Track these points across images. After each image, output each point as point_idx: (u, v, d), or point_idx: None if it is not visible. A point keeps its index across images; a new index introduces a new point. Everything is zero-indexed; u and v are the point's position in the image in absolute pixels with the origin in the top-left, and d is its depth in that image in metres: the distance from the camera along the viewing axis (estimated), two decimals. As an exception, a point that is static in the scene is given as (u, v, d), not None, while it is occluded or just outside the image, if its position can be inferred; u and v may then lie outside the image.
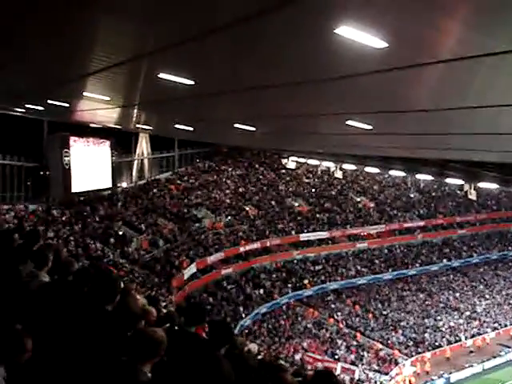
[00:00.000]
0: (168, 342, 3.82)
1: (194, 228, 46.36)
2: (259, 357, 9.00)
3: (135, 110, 18.60)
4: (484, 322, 51.35)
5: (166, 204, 47.75)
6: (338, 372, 38.19)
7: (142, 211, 45.27)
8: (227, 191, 54.50)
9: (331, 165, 45.73)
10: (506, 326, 51.06)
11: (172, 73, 8.98)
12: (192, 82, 9.44)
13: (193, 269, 40.71)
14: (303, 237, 53.37)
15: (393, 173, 44.37)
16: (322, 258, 54.70)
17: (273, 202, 55.96)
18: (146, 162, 52.58)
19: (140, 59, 8.41)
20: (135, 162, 51.94)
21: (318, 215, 56.92)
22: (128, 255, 38.93)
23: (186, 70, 8.84)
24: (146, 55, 8.08)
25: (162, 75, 9.15)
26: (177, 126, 21.11)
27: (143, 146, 51.60)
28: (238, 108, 12.73)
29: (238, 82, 9.20)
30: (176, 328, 5.86)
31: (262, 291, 47.14)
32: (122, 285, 5.59)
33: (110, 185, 46.62)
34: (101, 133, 43.53)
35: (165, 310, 8.42)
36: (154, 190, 49.34)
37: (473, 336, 48.23)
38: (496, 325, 51.01)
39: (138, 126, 28.70)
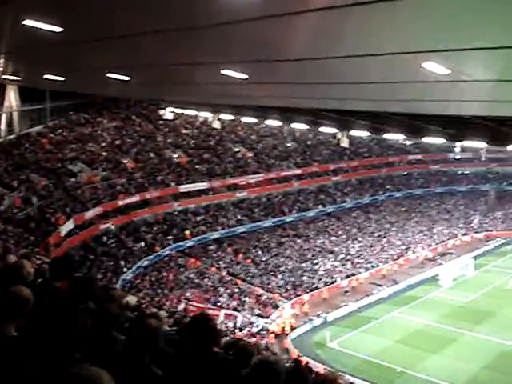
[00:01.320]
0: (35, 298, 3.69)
1: (70, 183, 44.70)
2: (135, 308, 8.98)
3: (0, 61, 17.40)
4: (357, 263, 54.42)
5: (39, 159, 45.52)
6: (221, 319, 39.12)
7: (13, 167, 42.83)
8: (103, 144, 52.84)
9: (209, 115, 45.57)
10: (377, 266, 54.44)
11: (38, 19, 8.43)
12: (60, 29, 8.93)
13: (70, 225, 39.44)
14: (183, 188, 53.27)
15: (269, 122, 45.08)
16: (203, 208, 55.06)
17: (151, 154, 55.13)
18: (15, 115, 49.51)
19: (2, 5, 7.82)
20: (3, 116, 48.72)
21: (197, 166, 56.91)
22: (0, 214, 36.97)
23: (53, 16, 8.33)
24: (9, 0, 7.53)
25: (27, 22, 8.56)
26: (47, 76, 20.03)
27: (11, 98, 48.40)
28: (111, 57, 12.23)
29: (109, 29, 8.81)
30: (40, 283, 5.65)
31: (143, 244, 46.80)
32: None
33: (-25, 140, 43.63)
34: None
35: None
36: (26, 145, 46.75)
37: (347, 277, 51.01)
38: (369, 265, 54.24)
39: (4, 77, 26.92)
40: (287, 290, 46.95)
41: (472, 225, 69.01)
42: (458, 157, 75.79)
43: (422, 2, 4.72)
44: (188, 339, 4.23)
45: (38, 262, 14.84)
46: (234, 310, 41.85)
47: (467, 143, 31.08)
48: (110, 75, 15.39)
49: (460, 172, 79.10)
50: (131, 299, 8.92)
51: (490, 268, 55.59)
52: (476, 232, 67.48)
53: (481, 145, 32.98)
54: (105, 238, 44.66)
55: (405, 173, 76.83)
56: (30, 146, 46.71)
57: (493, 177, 77.70)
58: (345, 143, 34.03)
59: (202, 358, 3.99)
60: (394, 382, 32.14)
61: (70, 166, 46.86)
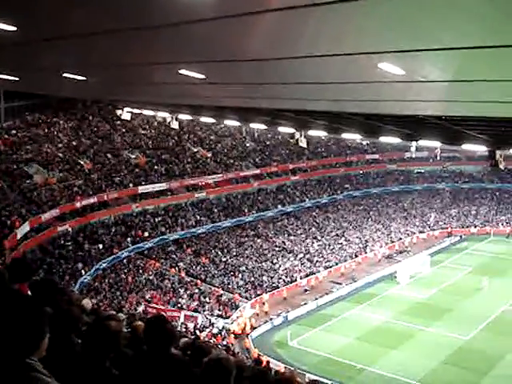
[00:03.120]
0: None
1: (26, 185, 43.87)
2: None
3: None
4: (317, 261, 54.85)
5: (-7, 160, 44.54)
6: (181, 320, 38.96)
7: (-34, 169, 41.89)
8: (59, 145, 51.99)
9: (167, 115, 45.25)
10: (336, 264, 55.04)
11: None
12: (14, 29, 8.74)
13: (26, 227, 38.68)
14: (141, 189, 52.90)
15: (228, 122, 45.03)
16: (162, 209, 54.75)
17: (109, 155, 54.50)
18: (-33, 115, 48.41)
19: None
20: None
21: (155, 167, 56.55)
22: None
23: (6, 15, 8.15)
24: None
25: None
26: (0, 76, 19.59)
27: (-37, 99, 47.32)
28: (65, 56, 12.01)
29: (63, 28, 8.66)
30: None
31: (101, 246, 46.21)
32: None
33: None
34: None
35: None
36: (-21, 146, 45.73)
37: (307, 276, 51.45)
38: (328, 264, 54.72)
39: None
40: (247, 289, 47.04)
41: (428, 222, 70.35)
42: (413, 156, 77.12)
43: (372, 4, 4.79)
44: (145, 341, 4.23)
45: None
46: (195, 310, 41.73)
47: (423, 142, 31.59)
48: (65, 75, 15.14)
49: (416, 171, 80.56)
50: (87, 302, 8.80)
51: (446, 265, 56.75)
52: (432, 229, 68.81)
53: (436, 144, 33.58)
54: (62, 241, 43.94)
55: (362, 172, 77.83)
56: (-16, 148, 45.69)
57: (448, 175, 79.43)
58: (303, 143, 34.16)
59: (159, 360, 4.00)
60: (354, 378, 32.55)
61: (26, 167, 45.96)
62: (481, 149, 26.75)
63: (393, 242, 63.62)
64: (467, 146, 25.67)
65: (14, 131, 50.44)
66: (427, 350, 36.02)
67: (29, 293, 5.30)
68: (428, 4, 4.67)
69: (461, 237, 66.76)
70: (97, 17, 7.29)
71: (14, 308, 3.00)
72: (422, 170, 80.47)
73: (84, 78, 15.74)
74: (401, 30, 5.69)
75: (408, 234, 66.35)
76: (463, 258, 58.74)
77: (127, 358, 4.26)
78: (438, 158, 74.21)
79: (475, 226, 69.29)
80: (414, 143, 35.37)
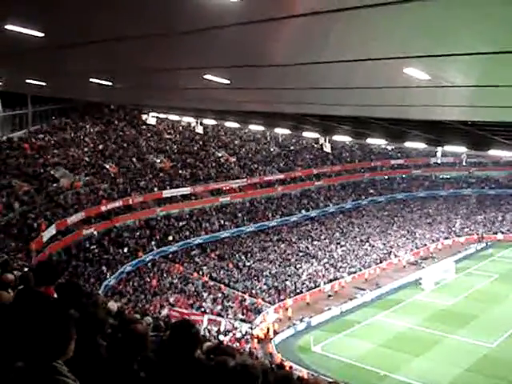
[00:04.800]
0: (18, 303, 3.68)
1: (52, 188, 44.38)
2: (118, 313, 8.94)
3: (-20, 65, 17.24)
4: (340, 267, 54.53)
5: (21, 164, 45.09)
6: (205, 324, 39.02)
7: (-6, 173, 42.47)
8: (86, 149, 52.54)
9: (192, 120, 45.51)
10: (360, 270, 54.66)
11: (19, 24, 8.37)
12: (42, 34, 8.88)
13: (52, 230, 39.14)
14: (166, 193, 53.19)
15: (252, 127, 45.13)
16: (186, 213, 54.98)
17: (134, 159, 54.92)
18: (-4, 120, 49.13)
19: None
20: (-16, 121, 48.29)
21: (180, 171, 56.80)
22: (-20, 220, 36.61)
23: (34, 21, 8.28)
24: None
25: (8, 27, 8.50)
26: (28, 80, 19.88)
27: (-8, 103, 48.03)
28: (92, 62, 12.17)
29: (90, 33, 8.77)
30: (23, 288, 5.60)
31: (125, 250, 46.55)
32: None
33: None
34: None
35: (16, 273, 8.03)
36: (7, 151, 46.31)
37: (330, 281, 51.15)
38: (351, 269, 54.37)
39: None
40: (270, 294, 46.94)
41: (454, 229, 69.56)
42: (439, 161, 76.39)
43: (400, 10, 4.78)
44: (170, 345, 4.24)
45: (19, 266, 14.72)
46: (218, 315, 41.75)
47: (448, 148, 31.32)
48: (92, 80, 15.33)
49: (442, 176, 79.78)
50: (112, 305, 8.87)
51: (471, 271, 56.03)
52: (458, 236, 68.02)
53: (461, 149, 33.31)
54: (87, 244, 44.37)
55: (387, 177, 77.34)
56: (12, 152, 46.29)
57: (474, 181, 78.52)
58: (327, 148, 34.13)
59: (184, 364, 4.01)
60: (377, 385, 32.29)
61: (52, 171, 46.51)
62: (507, 154, 26.45)
63: (418, 248, 63.01)
64: (493, 152, 25.40)
65: (41, 135, 51.12)
66: (451, 357, 35.55)
67: (55, 295, 5.35)
68: (457, 10, 4.64)
69: (486, 243, 65.85)
70: (125, 23, 7.38)
71: (41, 311, 3.04)
72: (448, 176, 79.65)
73: (110, 83, 15.92)
74: (428, 35, 5.67)
75: (433, 240, 65.66)
76: (489, 265, 57.91)
77: (152, 361, 4.29)
78: (464, 163, 73.33)
79: (502, 233, 68.31)
80: (439, 148, 35.04)
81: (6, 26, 8.48)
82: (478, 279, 52.90)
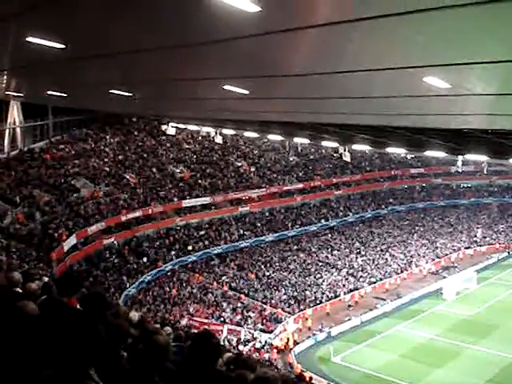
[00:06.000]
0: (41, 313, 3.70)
1: (73, 198, 44.80)
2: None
3: (4, 77, 17.49)
4: (360, 277, 54.17)
5: (42, 174, 45.61)
6: (224, 334, 38.99)
7: (16, 183, 42.95)
8: (106, 159, 53.01)
9: (211, 130, 45.67)
10: (380, 280, 54.23)
11: (41, 36, 8.48)
12: (63, 46, 8.99)
13: (73, 240, 39.48)
14: (186, 203, 53.37)
15: (271, 137, 45.18)
16: (205, 223, 55.09)
17: (154, 169, 55.25)
18: (18, 130, 49.74)
19: (5, 22, 7.87)
20: (6, 132, 48.90)
21: (199, 181, 56.99)
22: (3, 229, 36.98)
23: (55, 33, 8.39)
24: (12, 18, 7.57)
25: (30, 39, 8.62)
26: (49, 92, 20.13)
27: (15, 114, 48.60)
28: (113, 73, 12.30)
29: (111, 45, 8.87)
30: (46, 299, 5.62)
31: (145, 259, 46.77)
32: None
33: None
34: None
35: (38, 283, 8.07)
36: (29, 161, 46.89)
37: (350, 291, 50.85)
38: (372, 279, 53.99)
39: (7, 93, 27.03)
40: (290, 304, 46.75)
41: (475, 238, 68.79)
42: (460, 170, 75.72)
43: (421, 19, 4.76)
44: (191, 356, 4.23)
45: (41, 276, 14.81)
46: (237, 324, 41.68)
47: (469, 156, 31.04)
48: (112, 91, 15.47)
49: (462, 185, 79.03)
50: (134, 315, 8.88)
51: (493, 281, 55.34)
52: (479, 245, 67.24)
53: (482, 158, 33.03)
54: (107, 253, 44.66)
55: (407, 186, 76.81)
56: (33, 162, 46.88)
57: (495, 190, 77.65)
58: (347, 157, 34.03)
59: (205, 375, 3.99)
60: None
61: (73, 181, 46.97)
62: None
63: (439, 257, 62.38)
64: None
65: (61, 146, 51.70)
66: (473, 368, 35.07)
67: (77, 306, 5.37)
68: (480, 18, 4.61)
69: (509, 253, 65.04)
70: (143, 35, 7.45)
71: (71, 323, 3.04)
72: (469, 185, 78.86)
73: (130, 95, 16.06)
74: (449, 44, 5.64)
75: (454, 250, 64.95)
76: (511, 275, 57.16)
77: (173, 372, 4.28)
78: (485, 172, 72.59)
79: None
80: (459, 157, 34.72)
81: (28, 39, 8.60)
82: (500, 289, 52.22)
